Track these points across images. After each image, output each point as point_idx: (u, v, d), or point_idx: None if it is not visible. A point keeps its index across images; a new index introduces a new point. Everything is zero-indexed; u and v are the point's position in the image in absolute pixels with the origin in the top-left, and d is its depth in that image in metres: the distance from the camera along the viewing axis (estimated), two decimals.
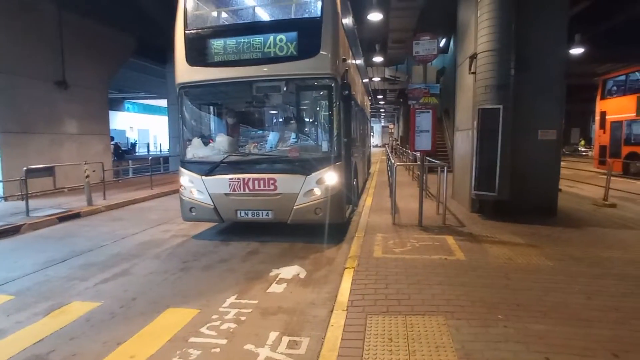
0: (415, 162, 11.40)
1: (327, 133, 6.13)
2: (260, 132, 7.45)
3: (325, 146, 6.03)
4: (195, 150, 6.50)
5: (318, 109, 6.58)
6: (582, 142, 31.91)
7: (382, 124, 69.29)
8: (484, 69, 6.71)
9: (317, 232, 6.24)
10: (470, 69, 7.28)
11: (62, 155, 12.04)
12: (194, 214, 6.32)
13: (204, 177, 6.11)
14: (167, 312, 3.76)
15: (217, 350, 3.05)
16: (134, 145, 37.25)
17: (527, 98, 7.02)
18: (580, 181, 11.62)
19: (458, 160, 8.99)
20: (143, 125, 44.94)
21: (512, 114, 6.68)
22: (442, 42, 17.43)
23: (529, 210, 7.09)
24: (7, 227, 7.04)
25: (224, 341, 3.18)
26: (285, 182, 5.84)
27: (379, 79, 24.94)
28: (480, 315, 3.31)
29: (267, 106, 7.07)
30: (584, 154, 28.66)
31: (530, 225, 6.43)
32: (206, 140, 6.80)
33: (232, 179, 5.97)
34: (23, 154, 10.60)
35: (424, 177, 6.87)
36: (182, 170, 6.37)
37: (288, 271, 4.81)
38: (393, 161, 9.08)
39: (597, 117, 16.74)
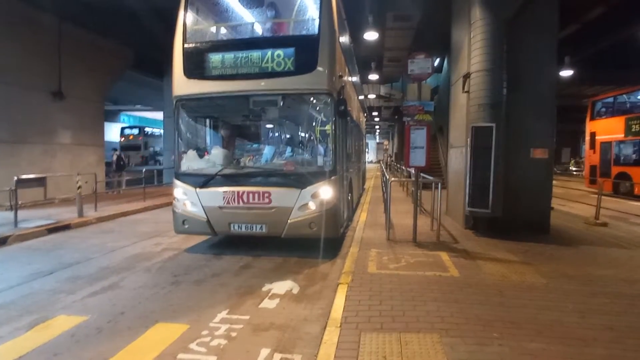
0: (410, 178, 11.44)
1: (322, 148, 6.18)
2: (256, 145, 7.44)
3: (320, 161, 6.09)
4: (190, 162, 6.46)
5: (314, 123, 6.61)
6: (572, 162, 32.32)
7: (377, 140, 69.78)
8: (477, 88, 6.81)
9: (311, 247, 6.18)
10: (463, 88, 7.39)
11: (54, 166, 11.94)
12: (186, 226, 6.22)
13: (198, 190, 6.05)
14: (155, 327, 3.67)
15: None
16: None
17: (519, 117, 7.12)
18: (571, 200, 11.72)
19: (452, 176, 9.04)
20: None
21: (505, 132, 6.77)
22: (436, 62, 17.74)
23: (522, 228, 7.11)
24: None
25: (214, 358, 3.10)
26: (280, 196, 5.79)
27: (374, 96, 25.24)
28: (475, 333, 3.26)
29: (264, 120, 7.06)
30: (575, 173, 29.01)
31: (523, 243, 6.43)
32: (201, 152, 6.77)
33: (226, 191, 5.91)
34: (14, 164, 10.49)
35: (418, 193, 6.87)
36: (176, 182, 6.32)
37: (281, 286, 4.74)
38: (388, 177, 9.08)
39: (587, 138, 17.00)
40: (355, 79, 10.89)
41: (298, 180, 5.83)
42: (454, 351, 2.97)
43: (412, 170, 7.29)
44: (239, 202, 5.86)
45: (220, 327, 3.64)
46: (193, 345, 3.29)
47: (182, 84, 6.18)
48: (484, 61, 6.68)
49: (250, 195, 5.83)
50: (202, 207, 6.03)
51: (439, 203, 6.96)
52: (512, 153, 7.03)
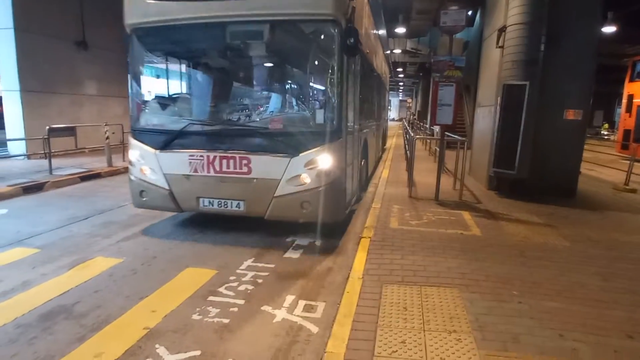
0: (433, 136, 11.23)
1: (324, 98, 4.79)
2: (234, 94, 5.84)
3: (319, 117, 4.58)
4: (149, 115, 5.17)
5: (313, 65, 5.00)
6: (606, 126, 30.91)
7: (400, 98, 68.12)
8: (512, 43, 6.46)
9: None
10: (497, 43, 7.01)
11: (82, 116, 12.19)
12: (145, 199, 4.98)
13: (157, 152, 4.77)
14: (186, 271, 3.88)
15: (235, 309, 3.16)
16: None
17: (554, 75, 6.74)
18: (601, 165, 11.34)
19: (477, 136, 8.82)
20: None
21: (538, 91, 6.47)
22: (469, 14, 16.79)
23: (547, 190, 6.97)
24: (31, 183, 7.25)
25: (242, 301, 3.28)
26: (263, 164, 4.49)
27: (399, 51, 24.30)
28: (495, 290, 3.33)
29: (244, 59, 5.30)
30: (605, 138, 27.85)
31: (548, 205, 6.35)
32: (163, 102, 5.39)
33: (193, 156, 4.64)
34: (44, 114, 10.75)
35: (443, 152, 6.77)
36: (132, 141, 4.99)
37: (304, 238, 4.87)
38: (412, 134, 8.94)
39: (624, 100, 16.14)
40: (381, 32, 10.44)
41: (288, 143, 4.44)
42: (473, 306, 3.05)
43: (435, 129, 7.14)
44: (209, 170, 4.63)
45: (247, 273, 3.82)
46: (222, 289, 3.49)
47: (136, 8, 4.71)
48: (523, 13, 6.27)
49: (224, 161, 4.56)
50: (164, 175, 4.79)
51: (463, 162, 6.85)
52: (544, 113, 6.74)
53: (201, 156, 4.62)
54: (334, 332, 2.67)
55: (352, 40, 4.32)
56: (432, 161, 11.23)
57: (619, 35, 16.12)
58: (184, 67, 5.87)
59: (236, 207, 4.68)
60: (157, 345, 2.64)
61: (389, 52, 17.90)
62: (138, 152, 4.92)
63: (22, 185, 7.10)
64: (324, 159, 4.38)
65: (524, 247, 4.43)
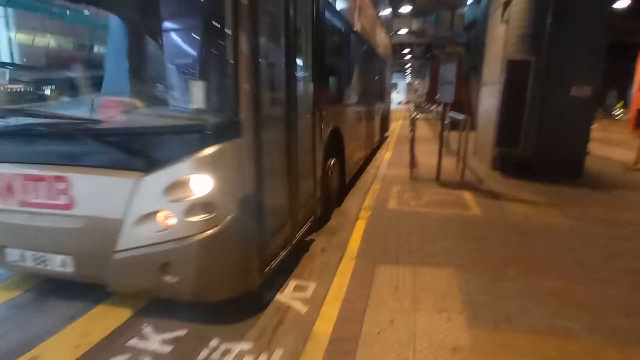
0: (438, 117, 11.00)
1: (206, 61, 2.37)
2: (48, 65, 3.49)
3: (198, 94, 2.27)
4: None
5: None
6: (620, 104, 30.08)
7: (407, 81, 67.18)
8: (518, 17, 6.24)
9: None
10: (502, 17, 6.77)
11: None
12: None
13: None
14: None
15: None
16: None
17: (562, 50, 6.48)
18: (611, 144, 11.07)
19: (482, 115, 8.61)
20: None
21: (545, 67, 6.25)
22: None
23: (553, 170, 6.78)
24: None
25: None
26: (91, 190, 2.46)
27: (405, 30, 23.80)
28: (491, 270, 3.25)
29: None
30: (617, 117, 27.15)
31: (552, 185, 6.20)
32: None
33: None
34: None
35: (447, 134, 6.61)
36: None
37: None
38: (414, 115, 8.76)
39: (637, 78, 15.64)
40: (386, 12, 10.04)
41: (133, 148, 2.38)
42: (467, 285, 2.98)
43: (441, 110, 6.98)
44: (10, 201, 2.63)
45: None
46: None
47: None
48: None
49: (30, 184, 2.55)
50: None
51: (465, 142, 6.68)
52: (550, 90, 6.51)
53: None
54: (323, 312, 2.63)
55: None
56: (437, 143, 11.02)
57: (633, 10, 15.55)
58: None
59: (61, 265, 2.61)
60: (143, 325, 2.62)
61: (392, 33, 17.48)
62: None
63: None
64: (203, 180, 2.27)
65: (525, 226, 4.34)
